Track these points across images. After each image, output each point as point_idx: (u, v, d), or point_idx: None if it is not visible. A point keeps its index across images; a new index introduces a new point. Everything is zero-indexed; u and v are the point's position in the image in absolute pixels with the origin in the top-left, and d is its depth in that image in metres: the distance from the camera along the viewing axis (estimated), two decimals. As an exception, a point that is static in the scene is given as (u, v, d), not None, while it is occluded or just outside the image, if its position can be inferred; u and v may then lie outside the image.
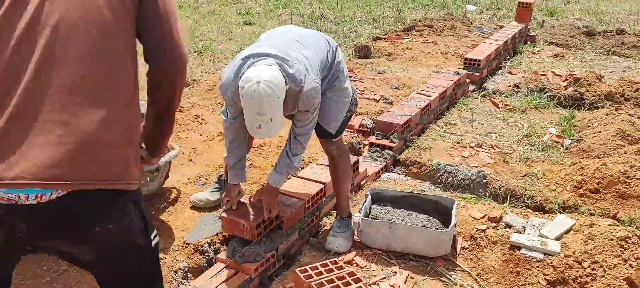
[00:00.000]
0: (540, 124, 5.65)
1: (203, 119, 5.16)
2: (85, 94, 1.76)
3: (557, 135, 5.33)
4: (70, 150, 1.72)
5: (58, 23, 1.75)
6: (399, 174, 4.76)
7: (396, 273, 3.36)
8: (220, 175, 3.95)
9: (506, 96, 6.47)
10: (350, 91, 3.51)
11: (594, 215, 3.99)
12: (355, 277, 2.93)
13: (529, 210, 3.99)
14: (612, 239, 3.29)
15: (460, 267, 3.42)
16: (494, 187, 4.46)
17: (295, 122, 3.20)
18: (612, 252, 3.24)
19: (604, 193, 4.21)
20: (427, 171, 4.72)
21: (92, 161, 1.75)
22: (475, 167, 4.64)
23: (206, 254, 3.51)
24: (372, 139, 5.12)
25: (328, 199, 4.00)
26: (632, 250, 3.23)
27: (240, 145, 3.31)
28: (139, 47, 1.95)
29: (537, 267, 3.30)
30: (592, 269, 3.20)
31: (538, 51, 8.42)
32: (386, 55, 7.82)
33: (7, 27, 1.74)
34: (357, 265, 3.42)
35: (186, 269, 3.35)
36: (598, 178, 4.28)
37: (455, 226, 3.70)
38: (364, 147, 5.12)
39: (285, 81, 2.87)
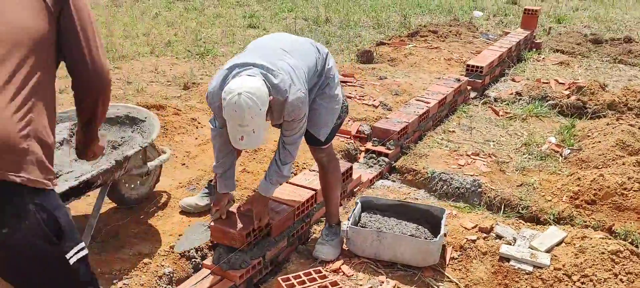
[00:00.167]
0: (540, 133, 5.58)
1: (199, 123, 5.15)
2: None
3: (556, 145, 5.26)
4: None
5: None
6: (394, 182, 4.72)
7: (383, 282, 3.32)
8: (210, 180, 3.94)
9: (507, 104, 6.41)
10: (341, 98, 3.47)
11: (589, 227, 3.94)
12: (338, 286, 2.89)
13: (521, 221, 3.93)
14: (603, 253, 3.23)
15: (449, 278, 3.37)
16: (489, 197, 4.42)
17: (283, 131, 3.18)
18: (603, 266, 3.19)
19: (600, 205, 4.15)
20: (422, 179, 4.68)
21: None
22: (471, 175, 4.59)
23: (193, 260, 3.50)
24: (369, 145, 5.09)
25: (319, 206, 3.96)
26: (623, 265, 3.18)
27: (228, 154, 3.29)
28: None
29: (526, 279, 3.25)
30: (582, 283, 3.15)
31: (543, 58, 8.34)
32: (389, 60, 7.78)
33: None
34: (344, 273, 3.39)
35: (171, 275, 3.32)
36: (595, 189, 4.21)
37: (445, 235, 3.66)
38: (360, 154, 5.09)
39: (269, 92, 2.84)
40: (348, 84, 6.57)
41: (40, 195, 1.82)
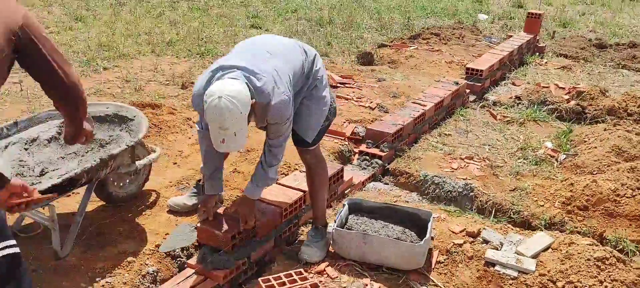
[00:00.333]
0: (537, 138, 5.55)
1: (193, 122, 5.15)
2: None
3: (552, 150, 5.23)
4: None
5: None
6: (386, 184, 4.71)
7: (367, 285, 3.29)
8: (199, 180, 3.94)
9: (506, 108, 6.37)
10: (329, 100, 3.46)
11: (580, 233, 3.90)
12: (317, 288, 2.88)
13: (510, 226, 3.89)
14: (589, 259, 3.20)
15: (433, 282, 3.35)
16: (480, 201, 4.39)
17: (268, 134, 3.17)
18: (588, 272, 3.15)
19: (592, 211, 4.12)
20: (414, 181, 4.66)
21: None
22: (463, 179, 4.57)
23: (178, 259, 3.49)
24: (363, 147, 5.07)
25: (308, 208, 3.95)
26: (609, 272, 3.14)
27: (215, 156, 3.29)
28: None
29: (511, 284, 3.23)
30: (566, 290, 3.12)
31: (545, 63, 8.29)
32: (389, 62, 7.75)
33: None
34: (328, 276, 3.37)
35: (155, 274, 3.32)
36: (587, 195, 4.18)
37: (432, 239, 3.65)
38: (354, 155, 5.07)
39: (252, 95, 2.84)
40: (346, 85, 6.56)
41: None
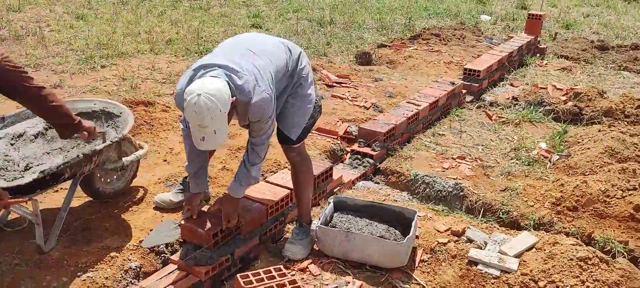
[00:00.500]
0: (531, 138, 5.52)
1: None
2: None
3: (546, 151, 5.20)
4: None
5: None
6: (377, 183, 4.69)
7: (349, 283, 3.29)
8: (185, 177, 3.94)
9: (502, 108, 6.34)
10: (314, 98, 3.46)
11: (567, 234, 3.88)
12: (296, 285, 2.88)
13: (495, 225, 3.88)
14: (571, 259, 3.18)
15: (416, 280, 3.34)
16: (470, 200, 4.37)
17: (250, 132, 3.18)
18: (571, 272, 3.13)
19: (582, 212, 4.09)
20: (405, 181, 4.65)
21: None
22: (454, 179, 4.55)
23: (162, 255, 3.50)
24: (355, 146, 5.06)
25: (295, 205, 3.94)
26: (591, 272, 3.12)
27: (199, 154, 3.30)
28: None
29: (493, 283, 3.21)
30: (548, 289, 3.10)
31: (546, 64, 8.25)
32: (387, 62, 7.74)
33: None
34: (311, 273, 3.37)
35: (138, 269, 3.33)
36: (577, 196, 4.15)
37: (417, 237, 3.64)
38: (346, 154, 5.07)
39: (233, 93, 2.84)
40: (342, 85, 6.56)
41: None
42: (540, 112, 6.19)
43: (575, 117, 6.09)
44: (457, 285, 3.28)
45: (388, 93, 6.42)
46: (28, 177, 2.99)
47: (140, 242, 3.50)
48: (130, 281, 3.27)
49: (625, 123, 5.58)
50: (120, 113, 3.76)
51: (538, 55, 8.60)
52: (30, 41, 7.44)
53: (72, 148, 3.62)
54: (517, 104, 6.46)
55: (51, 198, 3.85)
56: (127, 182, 3.96)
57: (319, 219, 3.57)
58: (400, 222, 3.66)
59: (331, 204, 3.72)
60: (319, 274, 3.36)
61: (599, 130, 5.28)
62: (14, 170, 3.36)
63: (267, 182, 3.95)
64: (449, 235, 3.61)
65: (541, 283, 3.12)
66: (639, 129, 5.21)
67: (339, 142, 5.13)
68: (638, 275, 3.18)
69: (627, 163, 4.56)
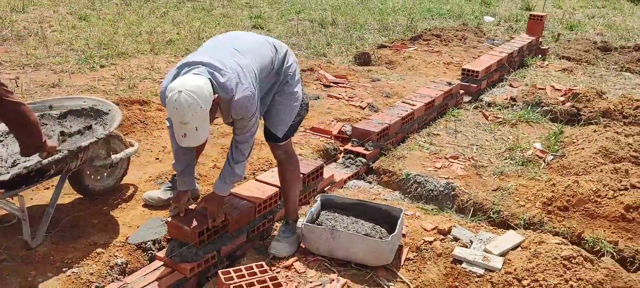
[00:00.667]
0: (527, 139, 5.49)
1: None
2: None
3: (541, 151, 5.18)
4: None
5: None
6: (369, 182, 4.69)
7: (333, 280, 3.29)
8: (174, 175, 3.96)
9: (500, 109, 6.32)
10: (301, 96, 3.46)
11: (557, 233, 3.86)
12: (276, 281, 2.88)
13: (482, 224, 3.87)
14: (556, 258, 3.16)
15: (401, 278, 3.33)
16: (461, 200, 4.36)
17: (234, 130, 3.19)
18: (555, 271, 3.12)
19: (572, 212, 4.07)
20: (397, 180, 4.64)
21: None
22: (446, 178, 4.54)
23: (149, 252, 3.52)
24: (349, 145, 5.06)
25: (284, 203, 3.95)
26: (575, 271, 3.10)
27: (186, 153, 3.32)
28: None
29: (476, 282, 3.20)
30: (531, 288, 3.09)
31: (547, 65, 8.21)
32: (387, 63, 7.74)
33: None
34: (296, 270, 3.37)
35: (124, 265, 3.35)
36: (568, 195, 4.13)
37: (404, 236, 3.63)
38: (339, 154, 5.07)
39: (215, 90, 2.86)
40: (339, 85, 6.56)
41: None
42: (537, 112, 6.16)
43: (573, 117, 6.07)
44: (441, 283, 3.28)
45: (385, 93, 6.42)
46: (13, 171, 3.02)
47: (127, 238, 3.52)
48: (116, 277, 3.29)
49: (622, 123, 5.55)
50: (109, 110, 3.79)
51: (539, 56, 8.56)
52: (32, 41, 7.50)
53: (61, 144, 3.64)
54: (515, 104, 6.44)
55: (41, 195, 3.88)
56: (117, 179, 3.99)
57: (306, 217, 3.58)
58: (387, 220, 3.66)
59: (318, 202, 3.72)
60: (304, 272, 3.37)
61: (594, 131, 5.26)
62: (1, 166, 3.39)
63: (257, 180, 3.96)
64: (435, 233, 3.60)
65: (524, 282, 3.11)
66: (634, 129, 5.18)
67: (332, 141, 5.13)
68: (623, 275, 3.16)
69: (620, 164, 4.54)
